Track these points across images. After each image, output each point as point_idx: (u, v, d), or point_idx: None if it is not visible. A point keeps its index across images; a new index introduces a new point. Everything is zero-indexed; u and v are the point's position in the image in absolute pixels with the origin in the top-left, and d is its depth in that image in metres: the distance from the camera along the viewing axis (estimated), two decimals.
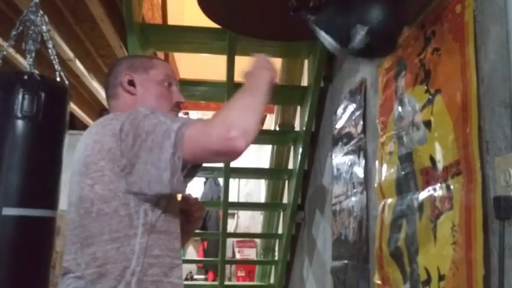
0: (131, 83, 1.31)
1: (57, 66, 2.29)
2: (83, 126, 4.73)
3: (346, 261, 2.36)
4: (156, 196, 1.11)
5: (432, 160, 1.47)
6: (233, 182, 5.72)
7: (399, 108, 1.74)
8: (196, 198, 1.44)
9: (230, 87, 2.92)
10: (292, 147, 3.60)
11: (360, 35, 1.31)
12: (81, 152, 1.18)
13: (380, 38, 1.36)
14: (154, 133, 1.08)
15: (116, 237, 1.10)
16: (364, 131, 2.20)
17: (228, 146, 1.04)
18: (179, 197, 1.30)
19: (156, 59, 1.41)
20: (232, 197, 5.22)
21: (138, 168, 1.08)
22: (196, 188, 6.11)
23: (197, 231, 6.11)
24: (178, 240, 1.20)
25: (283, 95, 3.40)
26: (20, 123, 1.98)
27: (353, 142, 2.35)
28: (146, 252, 1.11)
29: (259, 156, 5.71)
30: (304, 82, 3.42)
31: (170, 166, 1.05)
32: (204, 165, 1.33)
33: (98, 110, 4.96)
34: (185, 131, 1.06)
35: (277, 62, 3.56)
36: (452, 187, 1.35)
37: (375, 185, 1.94)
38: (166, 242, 1.15)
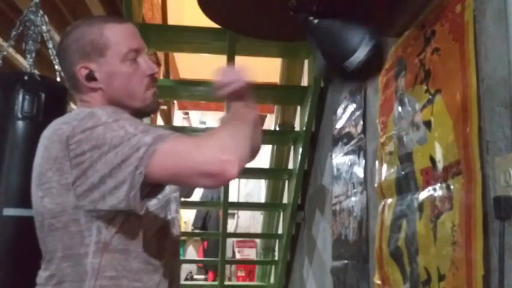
0: (91, 76, 1.11)
1: (57, 67, 2.29)
2: None
3: (346, 261, 2.36)
4: (111, 212, 1.00)
5: (432, 160, 1.47)
6: (233, 182, 5.71)
7: (399, 108, 1.74)
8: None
9: None
10: (292, 147, 3.60)
11: (367, 47, 1.29)
12: (36, 159, 1.07)
13: (379, 58, 1.36)
14: (120, 146, 0.95)
15: (70, 254, 1.01)
16: (364, 131, 2.20)
17: (220, 168, 0.94)
18: None
19: (109, 26, 1.13)
20: (232, 197, 5.22)
21: (93, 181, 0.97)
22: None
23: (197, 231, 6.16)
24: (138, 260, 1.06)
25: (283, 95, 3.40)
26: (20, 124, 1.98)
27: (353, 142, 2.35)
28: (99, 273, 1.01)
29: (259, 156, 5.71)
30: (304, 82, 3.42)
31: (130, 180, 0.94)
32: None
33: None
34: (161, 146, 0.95)
35: (277, 62, 3.57)
36: (452, 187, 1.35)
37: (375, 185, 1.94)
38: (123, 261, 1.03)
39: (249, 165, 1.24)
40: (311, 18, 1.35)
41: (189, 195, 1.51)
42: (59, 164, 1.00)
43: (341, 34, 1.34)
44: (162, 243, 1.14)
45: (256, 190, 6.49)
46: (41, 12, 2.22)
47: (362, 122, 2.23)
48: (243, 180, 6.44)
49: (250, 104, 1.23)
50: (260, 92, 3.04)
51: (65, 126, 1.01)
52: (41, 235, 1.07)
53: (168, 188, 1.19)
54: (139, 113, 1.15)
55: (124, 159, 0.95)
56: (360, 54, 1.30)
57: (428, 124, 1.51)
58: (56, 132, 1.02)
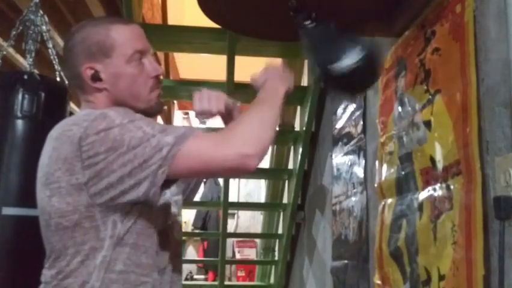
0: (96, 76, 1.11)
1: (57, 66, 2.29)
2: None
3: (346, 261, 2.36)
4: (126, 206, 1.02)
5: (432, 160, 1.47)
6: (233, 182, 5.72)
7: (399, 108, 1.74)
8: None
9: (230, 87, 2.92)
10: (292, 147, 3.60)
11: (357, 56, 1.27)
12: (42, 159, 1.08)
13: (369, 70, 1.33)
14: (140, 147, 0.97)
15: (81, 249, 1.02)
16: (364, 131, 2.20)
17: (242, 163, 0.99)
18: None
19: (115, 27, 1.14)
20: (232, 197, 5.22)
21: (109, 181, 0.98)
22: None
23: (197, 231, 6.16)
24: (147, 255, 1.07)
25: None
26: (20, 123, 1.98)
27: (353, 142, 2.35)
28: (109, 267, 1.02)
29: None
30: (305, 82, 3.42)
31: (152, 178, 0.97)
32: None
33: None
34: (184, 145, 0.98)
35: (277, 62, 3.57)
36: (452, 187, 1.35)
37: (375, 185, 1.94)
38: (132, 256, 1.04)
39: None
40: (307, 22, 1.36)
41: (190, 198, 1.51)
42: (69, 164, 1.00)
43: (334, 39, 1.33)
44: (165, 246, 1.14)
45: (256, 190, 6.48)
46: (41, 12, 2.22)
47: (362, 122, 2.23)
48: (243, 180, 6.44)
49: (280, 75, 1.25)
50: None
51: (75, 127, 1.02)
52: (47, 234, 1.08)
53: (169, 192, 1.18)
54: (143, 114, 1.14)
55: (146, 159, 0.97)
56: (348, 62, 1.28)
57: (428, 124, 1.51)
58: (66, 134, 1.03)
